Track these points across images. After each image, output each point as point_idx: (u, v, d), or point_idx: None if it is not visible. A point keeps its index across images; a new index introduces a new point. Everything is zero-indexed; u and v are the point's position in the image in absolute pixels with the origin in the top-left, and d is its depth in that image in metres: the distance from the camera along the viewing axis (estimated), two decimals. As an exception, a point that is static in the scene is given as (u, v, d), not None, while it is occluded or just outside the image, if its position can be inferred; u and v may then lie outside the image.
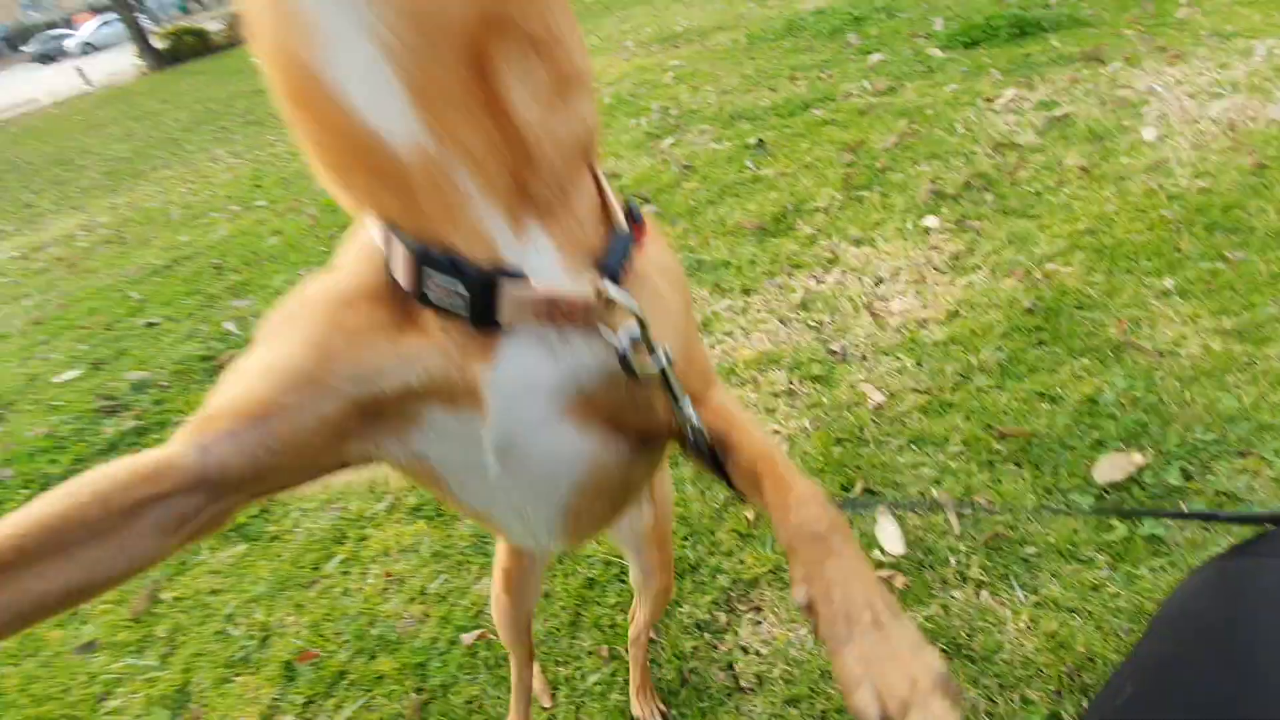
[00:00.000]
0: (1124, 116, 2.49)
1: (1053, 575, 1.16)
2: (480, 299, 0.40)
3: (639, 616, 1.03)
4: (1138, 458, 1.27)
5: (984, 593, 1.17)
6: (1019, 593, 1.15)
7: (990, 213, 2.16)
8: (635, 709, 1.10)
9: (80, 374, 2.76)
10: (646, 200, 2.85)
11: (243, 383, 0.45)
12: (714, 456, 0.51)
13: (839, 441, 1.52)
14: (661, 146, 3.40)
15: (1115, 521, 1.20)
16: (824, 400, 1.64)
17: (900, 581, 1.20)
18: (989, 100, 2.89)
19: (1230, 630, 0.58)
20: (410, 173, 0.36)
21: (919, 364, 1.67)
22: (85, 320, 3.34)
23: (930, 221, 2.19)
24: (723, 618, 1.25)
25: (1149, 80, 2.70)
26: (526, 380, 0.44)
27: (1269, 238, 1.76)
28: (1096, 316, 1.65)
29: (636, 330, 0.42)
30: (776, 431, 1.59)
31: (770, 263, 2.22)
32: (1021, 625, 1.11)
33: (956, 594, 1.18)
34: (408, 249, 0.40)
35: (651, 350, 0.43)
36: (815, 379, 1.72)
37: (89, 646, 1.53)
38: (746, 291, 2.12)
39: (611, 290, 0.41)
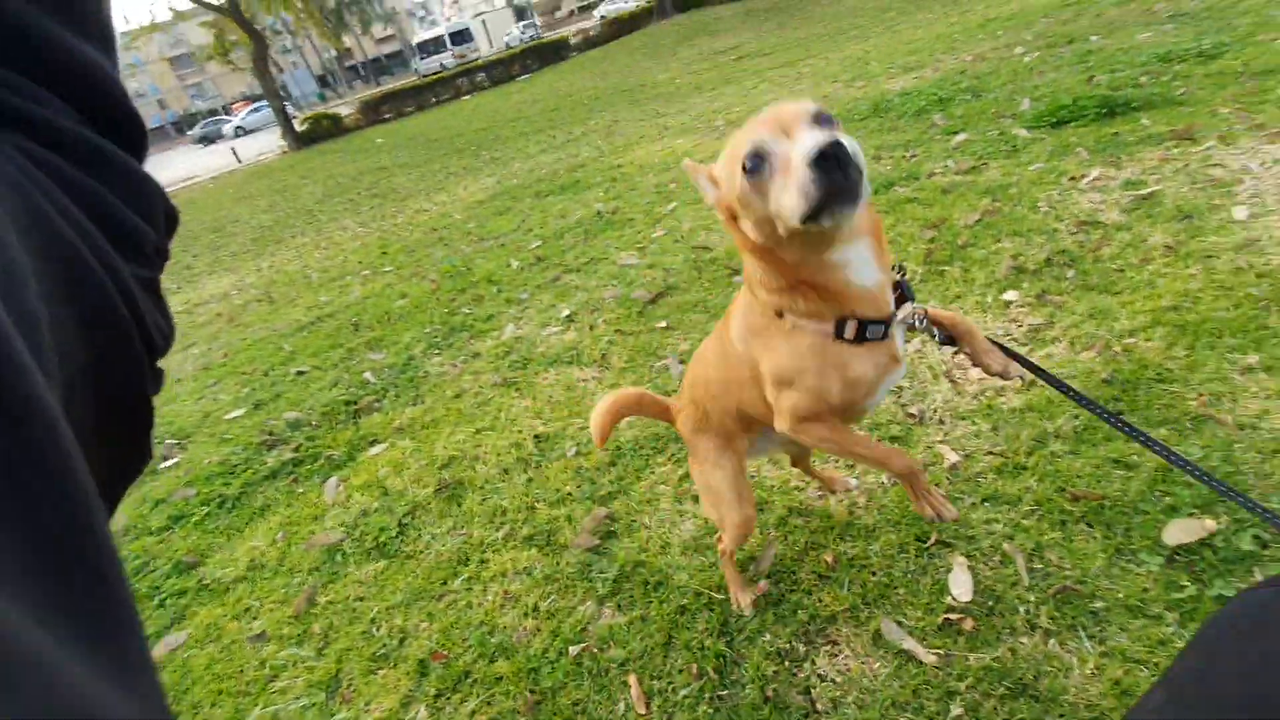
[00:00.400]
0: (1215, 195, 2.53)
1: (1121, 629, 1.23)
2: (887, 329, 0.96)
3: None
4: (1210, 523, 1.33)
5: (1051, 640, 1.25)
6: (1086, 643, 1.23)
7: (1071, 288, 2.24)
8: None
9: (244, 412, 3.24)
10: (737, 272, 3.09)
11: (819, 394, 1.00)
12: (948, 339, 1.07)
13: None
14: (750, 221, 3.66)
15: (1186, 581, 1.26)
16: (901, 458, 1.77)
17: (969, 624, 1.30)
18: (1074, 179, 2.98)
19: (1259, 644, 0.69)
20: (876, 295, 0.95)
21: (994, 429, 1.78)
22: (246, 367, 3.90)
23: (1010, 295, 2.30)
24: (801, 648, 1.38)
25: (1244, 159, 2.72)
26: (902, 347, 1.03)
27: (1367, 316, 1.77)
28: (1176, 390, 1.71)
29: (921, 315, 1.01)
30: (855, 488, 1.73)
31: (852, 330, 2.39)
32: (1088, 672, 1.18)
33: (1024, 640, 1.27)
34: (853, 319, 0.94)
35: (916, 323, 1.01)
36: (894, 439, 1.85)
37: (260, 637, 1.83)
38: (829, 356, 2.28)
39: (911, 306, 1.00)
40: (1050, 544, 1.43)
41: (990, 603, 1.35)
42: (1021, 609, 1.32)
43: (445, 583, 1.82)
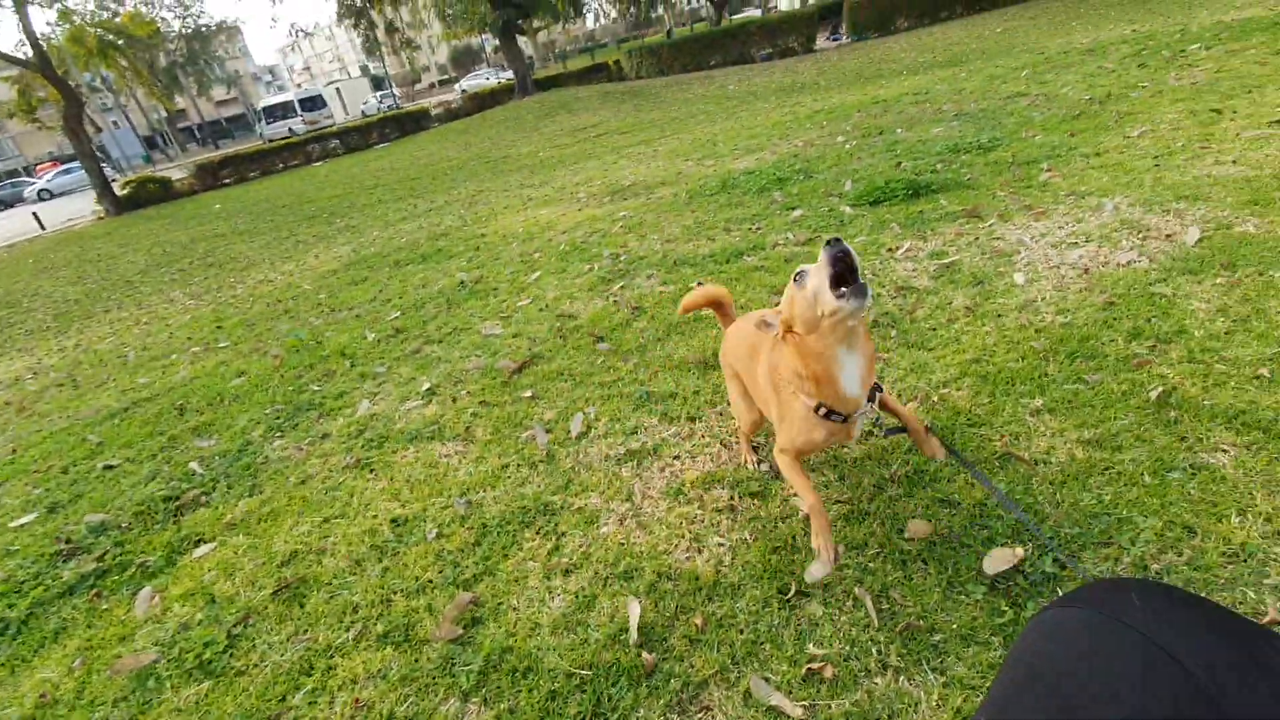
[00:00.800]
0: (999, 264, 2.97)
1: (957, 658, 1.34)
2: (847, 417, 1.40)
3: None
4: (1019, 551, 1.50)
5: (901, 678, 1.33)
6: (930, 675, 1.32)
7: (895, 346, 2.51)
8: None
9: (35, 518, 2.75)
10: (601, 339, 3.15)
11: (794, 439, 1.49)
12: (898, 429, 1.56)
13: (775, 550, 1.71)
14: (613, 290, 3.78)
15: (1005, 606, 1.40)
16: (761, 514, 1.85)
17: (830, 672, 1.35)
18: (891, 250, 3.39)
19: (1043, 663, 0.76)
20: (850, 401, 1.37)
21: (841, 479, 1.91)
22: (39, 464, 3.34)
23: (846, 353, 2.53)
24: None
25: (1019, 233, 3.24)
26: (859, 429, 1.46)
27: (1119, 362, 2.13)
28: (984, 432, 1.95)
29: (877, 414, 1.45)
30: (721, 544, 1.78)
31: (712, 393, 2.50)
32: (933, 704, 1.27)
33: (879, 680, 1.33)
34: (831, 408, 1.39)
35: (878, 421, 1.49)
36: (753, 495, 1.93)
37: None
38: (692, 419, 2.36)
39: (872, 408, 1.42)
40: (894, 583, 1.53)
41: (847, 647, 1.41)
42: (874, 650, 1.39)
43: (285, 699, 1.61)
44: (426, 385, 3.08)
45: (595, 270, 4.21)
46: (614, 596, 1.67)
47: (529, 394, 2.77)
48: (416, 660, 1.63)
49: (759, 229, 4.25)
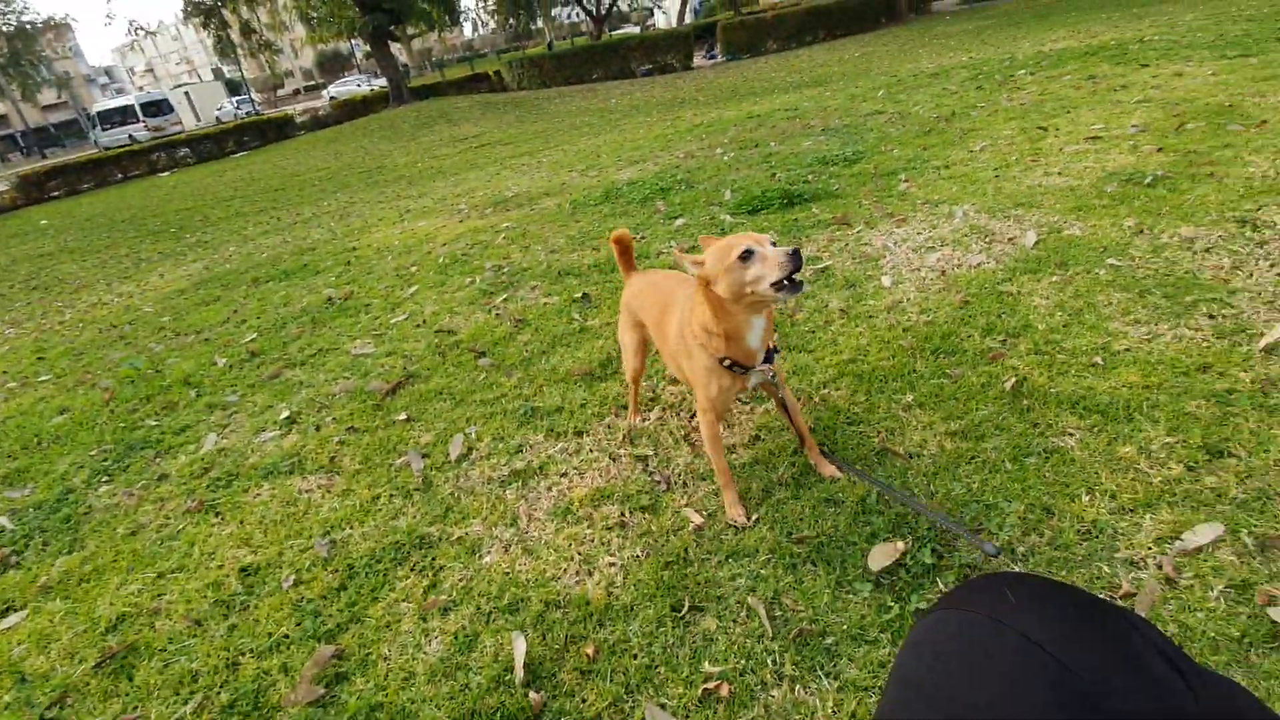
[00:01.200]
0: (868, 268, 3.12)
1: (850, 659, 1.33)
2: (747, 369, 1.63)
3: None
4: (900, 544, 1.53)
5: (798, 687, 1.30)
6: (825, 681, 1.30)
7: (779, 349, 2.55)
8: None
9: None
10: (483, 354, 2.99)
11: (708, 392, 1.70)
12: (786, 405, 1.82)
13: (667, 565, 1.65)
14: (495, 302, 3.62)
15: (891, 601, 1.42)
16: (653, 528, 1.78)
17: (726, 690, 1.30)
18: (770, 256, 3.48)
19: (923, 673, 0.74)
20: (752, 352, 1.60)
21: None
22: None
23: (731, 358, 2.54)
24: (568, 761, 1.26)
25: (883, 239, 3.43)
26: (753, 384, 1.71)
27: (976, 356, 2.27)
28: (863, 430, 2.00)
29: (773, 372, 1.69)
30: (612, 564, 1.69)
31: (599, 404, 2.42)
32: (829, 711, 1.24)
33: (775, 693, 1.30)
34: (735, 360, 1.61)
35: (774, 375, 1.71)
36: (644, 509, 1.86)
37: None
38: (579, 433, 2.27)
39: (768, 367, 1.66)
40: (786, 588, 1.52)
41: (743, 661, 1.37)
42: (769, 660, 1.36)
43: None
44: (285, 413, 2.79)
45: (477, 283, 4.03)
46: (498, 633, 1.54)
47: (403, 417, 2.57)
48: (268, 732, 1.41)
49: (643, 237, 4.24)
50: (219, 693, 1.53)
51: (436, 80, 27.49)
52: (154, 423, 3.00)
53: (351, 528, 1.99)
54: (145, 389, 3.42)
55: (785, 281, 1.38)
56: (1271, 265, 2.49)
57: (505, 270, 4.17)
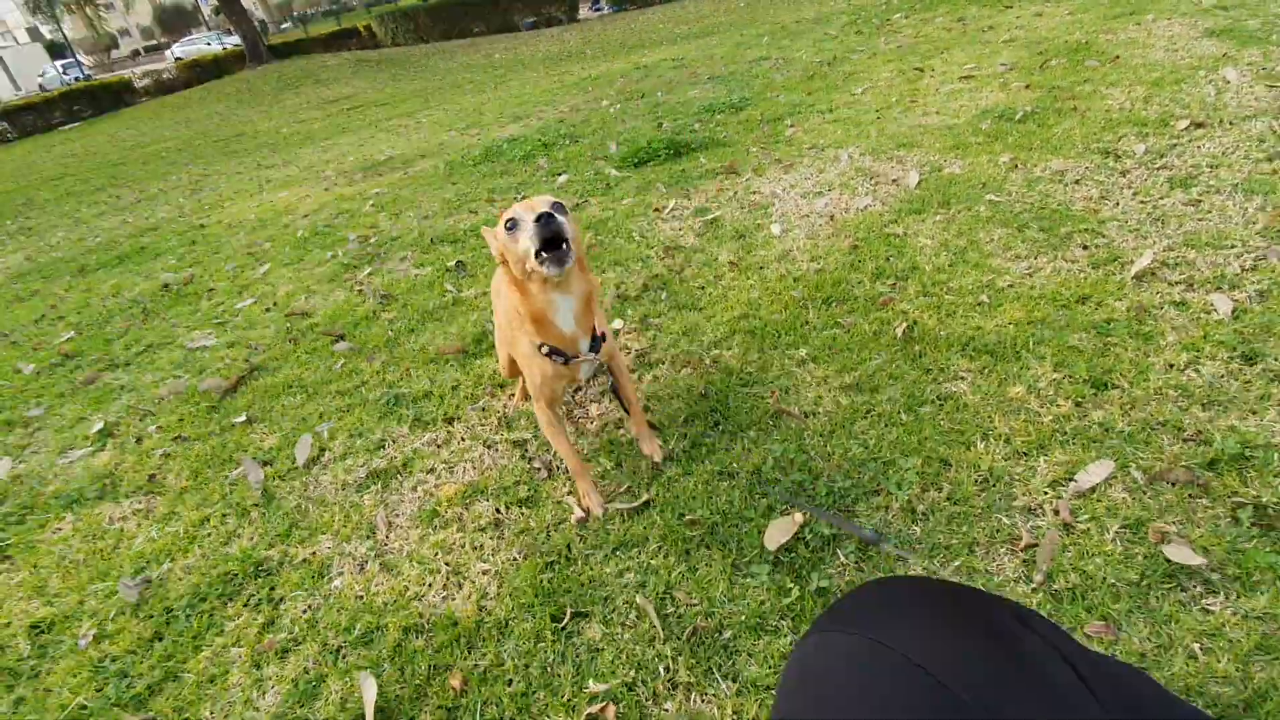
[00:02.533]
0: (757, 217, 2.98)
1: (749, 655, 1.19)
2: (570, 358, 1.44)
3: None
4: (799, 517, 1.40)
5: (694, 695, 1.15)
6: (723, 684, 1.16)
7: (666, 309, 2.38)
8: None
9: None
10: (341, 337, 2.64)
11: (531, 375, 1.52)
12: (613, 375, 1.63)
13: (549, 565, 1.45)
14: (359, 278, 3.24)
15: (790, 583, 1.29)
16: (531, 524, 1.58)
17: (612, 712, 1.13)
18: (657, 210, 3.28)
19: (807, 710, 0.61)
20: (566, 338, 1.41)
21: (618, 465, 1.71)
22: None
23: (618, 324, 2.34)
24: (429, 824, 1.05)
25: (771, 186, 3.30)
26: (584, 374, 1.55)
27: (867, 303, 2.18)
28: (756, 391, 1.86)
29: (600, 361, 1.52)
30: (485, 571, 1.48)
31: (474, 385, 2.16)
32: (729, 718, 1.10)
33: (669, 705, 1.14)
34: (553, 349, 1.42)
35: (602, 365, 1.57)
36: (522, 502, 1.65)
37: None
38: (450, 420, 2.02)
39: (594, 357, 1.47)
40: (678, 581, 1.36)
41: (632, 672, 1.20)
42: (661, 668, 1.20)
43: None
44: (99, 425, 2.34)
45: (339, 257, 3.60)
46: (346, 674, 1.29)
47: (243, 419, 2.20)
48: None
49: (524, 197, 3.92)
50: (-16, 797, 1.21)
51: (300, 37, 25.02)
52: (-69, 451, 2.46)
53: (172, 560, 1.66)
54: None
55: (541, 253, 1.23)
56: (1134, 194, 2.54)
57: (372, 241, 3.75)
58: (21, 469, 2.21)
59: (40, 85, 32.77)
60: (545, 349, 1.42)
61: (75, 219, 7.05)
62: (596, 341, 1.46)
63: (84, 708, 1.34)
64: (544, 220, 1.21)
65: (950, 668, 0.55)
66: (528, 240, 1.23)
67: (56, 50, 39.89)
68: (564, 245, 1.23)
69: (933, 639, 0.59)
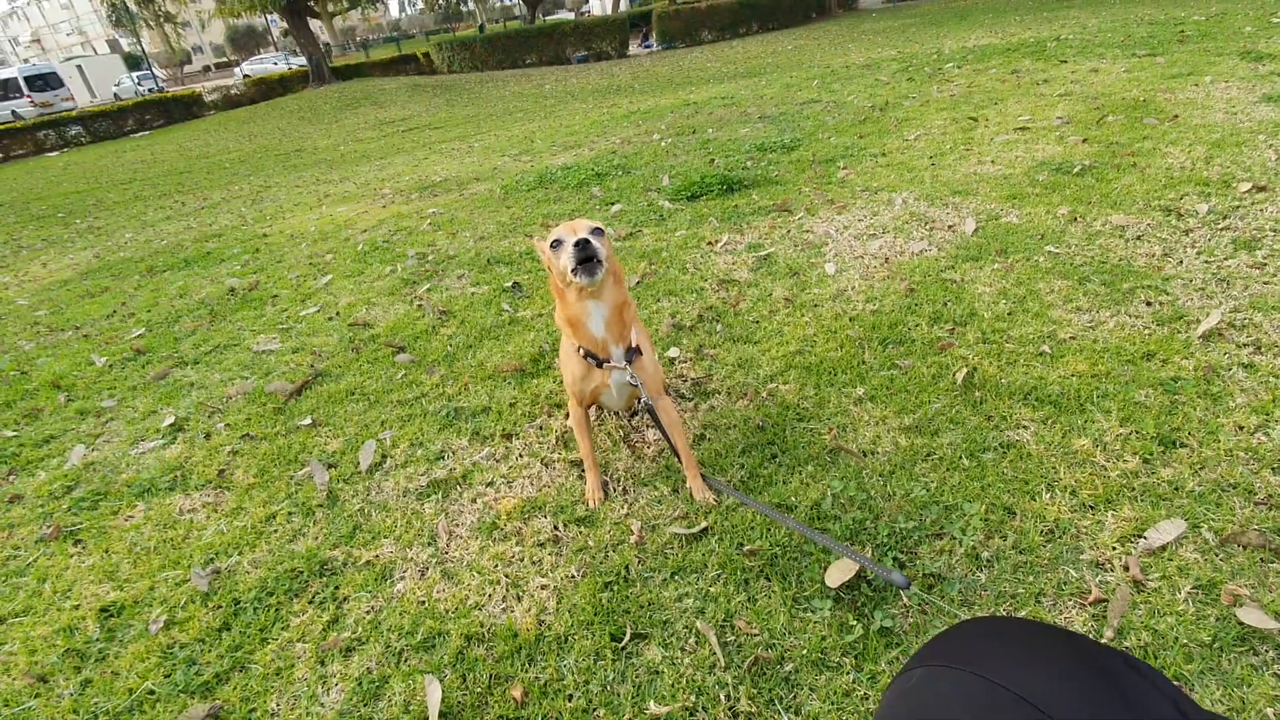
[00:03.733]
0: (811, 255, 3.02)
1: (810, 689, 1.19)
2: (602, 362, 1.60)
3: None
4: (861, 555, 1.40)
5: (754, 726, 1.15)
6: (784, 716, 1.16)
7: (721, 341, 2.41)
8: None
9: None
10: (402, 349, 2.73)
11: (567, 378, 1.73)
12: (654, 416, 1.68)
13: (607, 586, 1.47)
14: (418, 293, 3.34)
15: (853, 620, 1.29)
16: (589, 543, 1.60)
17: (674, 735, 1.14)
18: (710, 244, 3.34)
19: None
20: (598, 341, 1.58)
21: (674, 491, 1.72)
22: None
23: (673, 352, 2.38)
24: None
25: (825, 226, 3.34)
26: (614, 383, 1.64)
27: (925, 346, 2.18)
28: (812, 426, 1.87)
29: (631, 374, 1.60)
30: (544, 586, 1.50)
31: (530, 404, 2.21)
32: (791, 754, 1.10)
33: (730, 734, 1.14)
34: (587, 351, 1.61)
35: (635, 379, 1.60)
36: (580, 521, 1.68)
37: None
38: (508, 436, 2.06)
39: (625, 366, 1.60)
40: (738, 609, 1.37)
41: (693, 697, 1.21)
42: (722, 696, 1.21)
43: None
44: (170, 419, 2.44)
45: (398, 272, 3.72)
46: (409, 676, 1.32)
47: (308, 421, 2.28)
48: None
49: (572, 216, 4.02)
50: (60, 769, 1.25)
51: (361, 61, 26.15)
52: (11, 433, 2.59)
53: (240, 554, 1.72)
54: (6, 393, 2.97)
55: (577, 267, 1.44)
56: (1199, 253, 2.52)
57: (430, 259, 3.87)
58: (95, 456, 2.31)
59: (115, 94, 34.65)
60: (580, 350, 1.60)
61: (142, 222, 7.38)
62: (630, 353, 1.61)
63: (151, 692, 1.39)
64: (581, 245, 1.41)
65: (1065, 709, 0.55)
66: (567, 258, 1.43)
67: (133, 62, 42.25)
68: (596, 260, 1.42)
69: (1046, 679, 0.59)
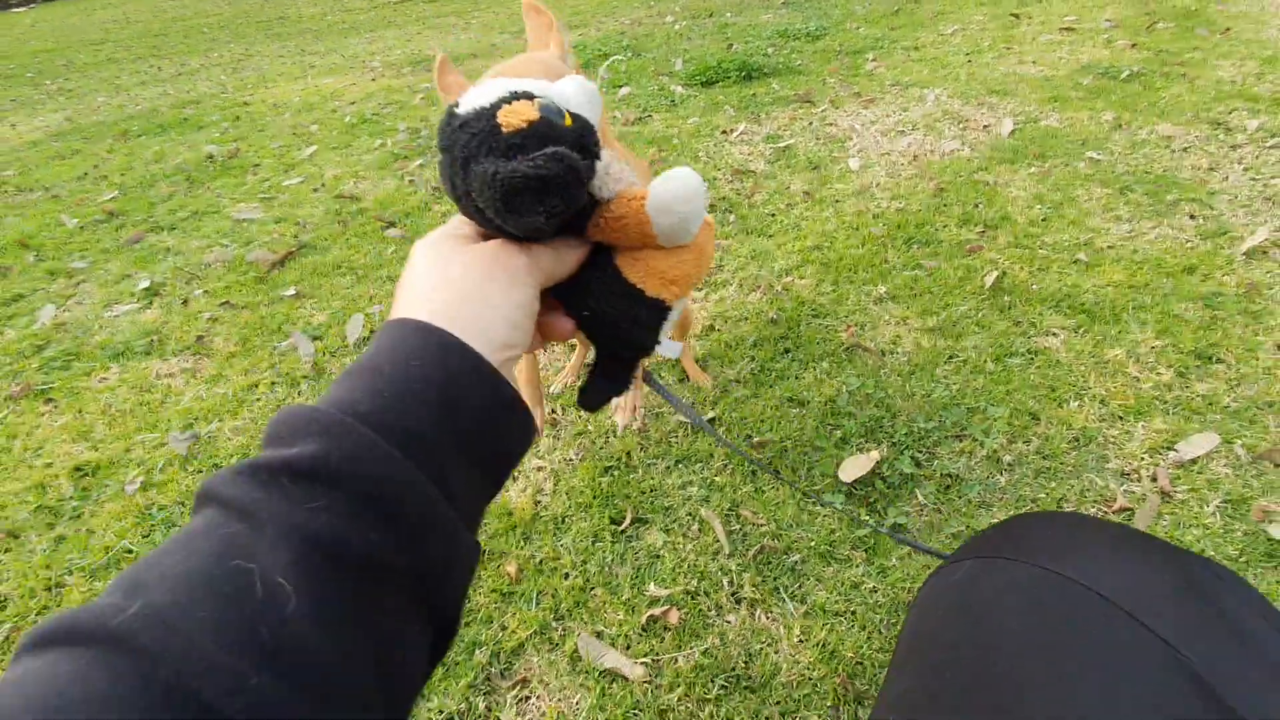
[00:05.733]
0: (834, 149, 2.81)
1: (817, 580, 1.15)
2: None
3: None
4: (875, 454, 1.33)
5: (758, 611, 1.11)
6: (789, 604, 1.11)
7: (734, 232, 2.26)
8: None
9: None
10: (392, 224, 2.55)
11: None
12: None
13: (607, 470, 1.41)
14: (409, 168, 3.12)
15: (865, 515, 1.23)
16: (589, 428, 1.52)
17: (675, 617, 1.10)
18: (725, 133, 3.11)
19: (964, 646, 0.52)
20: None
21: (680, 380, 1.64)
22: None
23: (682, 241, 2.23)
24: (481, 703, 1.03)
25: (849, 120, 3.11)
26: None
27: (953, 248, 2.05)
28: (829, 323, 1.77)
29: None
30: (540, 468, 1.43)
31: (529, 286, 2.09)
32: (795, 640, 1.06)
33: (731, 618, 1.10)
34: None
35: None
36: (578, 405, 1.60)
37: None
38: (504, 317, 1.95)
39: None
40: (744, 499, 1.31)
41: (695, 581, 1.16)
42: (725, 581, 1.16)
43: None
44: (145, 284, 2.30)
45: (388, 146, 3.47)
46: (399, 548, 1.27)
47: (292, 292, 2.15)
48: (98, 670, 1.12)
49: (584, 107, 3.74)
50: (34, 622, 1.21)
51: (349, -78, 23.89)
52: (-24, 291, 2.44)
53: (220, 420, 1.63)
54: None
55: None
56: (1245, 169, 2.35)
57: (423, 134, 3.60)
58: (66, 317, 2.19)
59: (81, -54, 31.80)
60: None
61: (116, 86, 6.90)
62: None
63: (129, 551, 1.33)
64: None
65: (1152, 612, 0.45)
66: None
67: (98, -90, 38.50)
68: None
69: (1129, 579, 0.50)
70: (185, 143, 4.14)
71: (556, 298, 0.44)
